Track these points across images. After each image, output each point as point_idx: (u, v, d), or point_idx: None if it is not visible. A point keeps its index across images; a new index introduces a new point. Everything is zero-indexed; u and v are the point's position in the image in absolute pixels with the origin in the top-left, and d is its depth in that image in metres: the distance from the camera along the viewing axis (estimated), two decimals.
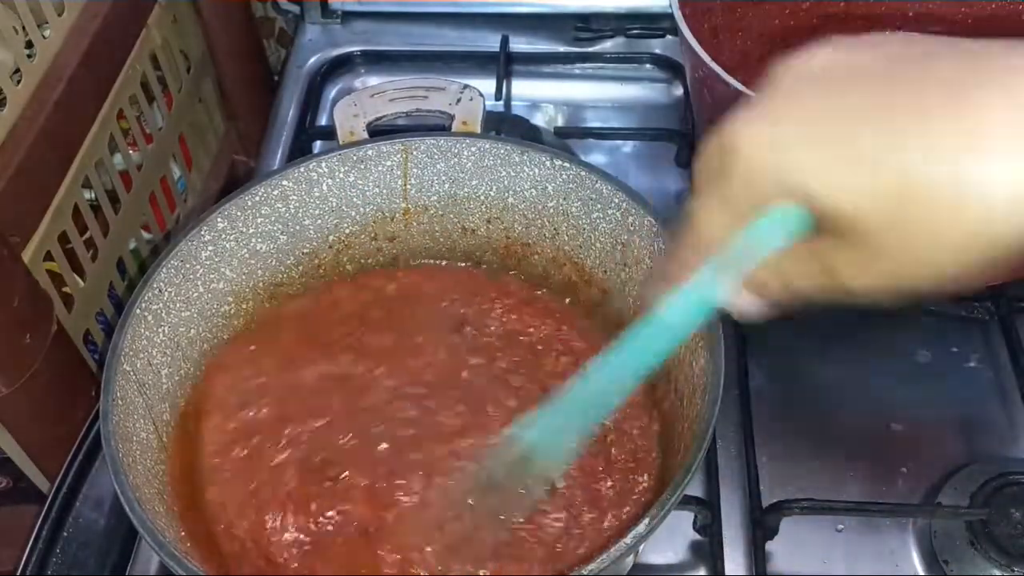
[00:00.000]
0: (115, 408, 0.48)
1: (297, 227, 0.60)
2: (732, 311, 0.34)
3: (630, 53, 0.89)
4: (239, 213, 0.58)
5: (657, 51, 0.88)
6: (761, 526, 0.58)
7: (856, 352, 0.67)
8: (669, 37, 0.88)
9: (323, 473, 0.53)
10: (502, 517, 0.47)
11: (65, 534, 0.57)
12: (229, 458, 0.55)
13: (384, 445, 0.54)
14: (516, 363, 0.58)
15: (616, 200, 0.57)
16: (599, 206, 0.58)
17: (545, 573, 0.49)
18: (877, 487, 0.61)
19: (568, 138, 0.80)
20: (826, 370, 0.67)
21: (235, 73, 0.96)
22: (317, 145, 0.82)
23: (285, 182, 0.59)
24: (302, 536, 0.51)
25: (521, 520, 0.49)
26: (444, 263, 0.64)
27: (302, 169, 0.59)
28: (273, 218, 0.59)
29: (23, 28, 0.66)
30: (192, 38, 0.91)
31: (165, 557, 0.43)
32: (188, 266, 0.56)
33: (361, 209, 0.62)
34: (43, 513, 0.57)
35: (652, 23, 0.89)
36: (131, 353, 0.51)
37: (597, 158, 0.81)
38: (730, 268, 0.32)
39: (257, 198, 0.58)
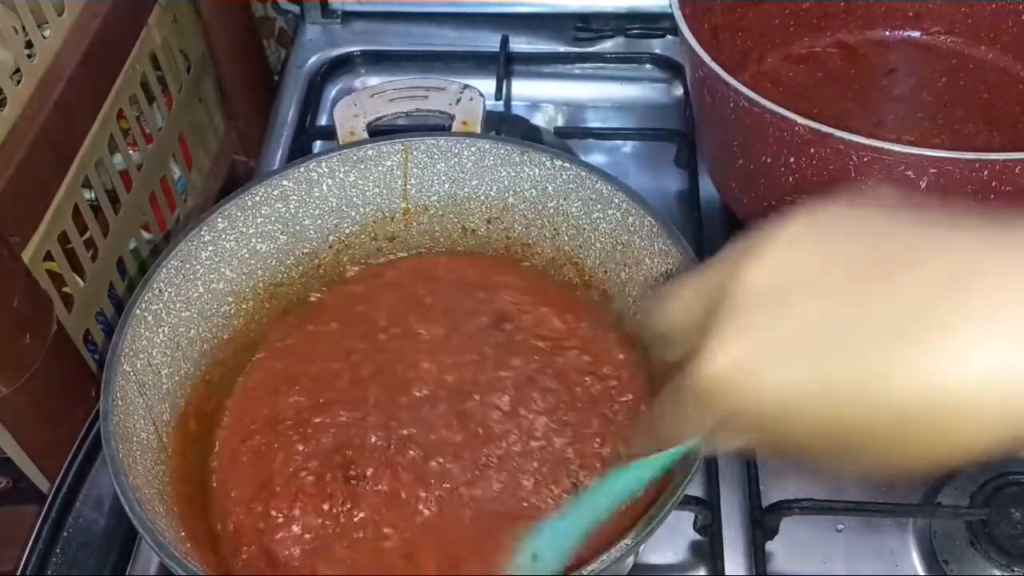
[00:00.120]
0: (115, 408, 0.48)
1: (297, 227, 0.60)
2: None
3: (630, 53, 0.89)
4: (239, 213, 0.58)
5: (657, 51, 0.88)
6: (761, 526, 0.58)
7: None
8: (669, 37, 0.88)
9: (344, 471, 0.53)
10: None
11: (65, 534, 0.57)
12: (248, 444, 0.55)
13: (412, 452, 0.54)
14: (549, 363, 0.57)
15: (616, 200, 0.57)
16: (599, 206, 0.58)
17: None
18: (877, 487, 0.61)
19: (568, 138, 0.80)
20: None
21: (235, 73, 0.96)
22: (317, 145, 0.82)
23: (285, 182, 0.59)
24: (308, 535, 0.51)
25: None
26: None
27: (302, 169, 0.59)
28: (273, 218, 0.59)
29: (23, 28, 0.66)
30: (192, 38, 0.91)
31: (165, 557, 0.43)
32: (188, 266, 0.56)
33: (361, 209, 0.62)
34: (43, 513, 0.57)
35: (652, 23, 0.89)
36: (131, 353, 0.51)
37: (597, 158, 0.81)
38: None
39: (257, 198, 0.58)
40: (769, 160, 0.60)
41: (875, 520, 0.59)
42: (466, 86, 0.68)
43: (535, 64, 0.88)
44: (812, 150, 0.56)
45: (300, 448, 0.54)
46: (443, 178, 0.61)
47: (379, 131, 0.65)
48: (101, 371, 0.50)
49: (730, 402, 0.30)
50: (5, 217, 0.61)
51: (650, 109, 0.86)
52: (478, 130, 0.66)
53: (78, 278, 0.73)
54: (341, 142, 0.66)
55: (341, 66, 0.89)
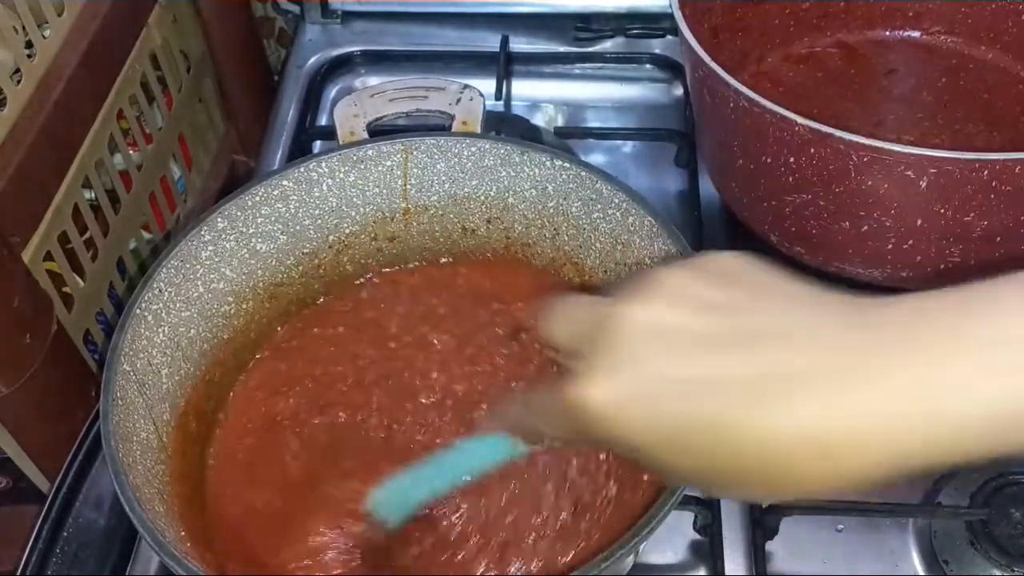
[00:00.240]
0: (115, 408, 0.48)
1: (297, 227, 0.60)
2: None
3: (630, 53, 0.89)
4: (239, 213, 0.58)
5: (657, 51, 0.88)
6: (761, 526, 0.58)
7: None
8: (669, 37, 0.88)
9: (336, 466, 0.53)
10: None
11: (65, 534, 0.57)
12: (244, 443, 0.55)
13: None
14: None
15: (616, 200, 0.57)
16: (599, 206, 0.58)
17: (546, 572, 0.50)
18: (877, 487, 0.61)
19: (568, 138, 0.80)
20: None
21: (235, 73, 0.96)
22: (317, 145, 0.82)
23: (285, 182, 0.59)
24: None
25: None
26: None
27: (302, 169, 0.59)
28: (273, 218, 0.59)
29: (23, 28, 0.66)
30: (192, 38, 0.91)
31: (165, 557, 0.43)
32: (188, 266, 0.56)
33: (361, 209, 0.62)
34: (43, 513, 0.57)
35: (652, 23, 0.89)
36: (131, 353, 0.51)
37: (597, 158, 0.81)
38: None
39: (257, 198, 0.58)
40: (769, 160, 0.60)
41: (875, 520, 0.59)
42: (466, 86, 0.68)
43: (535, 64, 0.88)
44: (812, 150, 0.56)
45: (295, 447, 0.54)
46: (443, 178, 0.61)
47: (379, 131, 0.65)
48: (101, 371, 0.50)
49: (595, 430, 0.33)
50: (5, 217, 0.61)
51: (650, 109, 0.86)
52: (478, 130, 0.66)
53: (78, 278, 0.73)
54: (341, 142, 0.66)
55: (341, 66, 0.89)
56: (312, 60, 0.91)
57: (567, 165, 0.58)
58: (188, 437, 0.55)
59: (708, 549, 0.58)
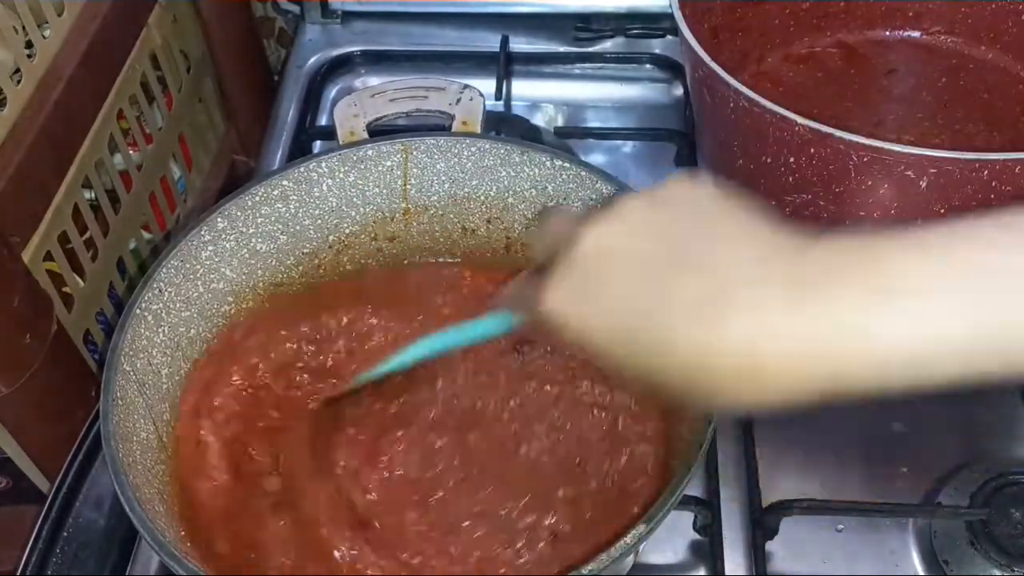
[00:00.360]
0: (115, 408, 0.48)
1: (297, 227, 0.60)
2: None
3: (630, 53, 0.89)
4: (239, 213, 0.58)
5: (657, 51, 0.88)
6: (761, 526, 0.58)
7: None
8: (669, 37, 0.89)
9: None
10: None
11: (65, 534, 0.57)
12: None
13: (400, 471, 0.53)
14: (562, 393, 0.57)
15: None
16: (599, 206, 0.58)
17: (544, 572, 0.49)
18: (877, 487, 0.61)
19: (568, 138, 0.80)
20: None
21: (235, 73, 0.96)
22: (317, 145, 0.82)
23: (285, 182, 0.59)
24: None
25: None
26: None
27: (302, 169, 0.59)
28: (273, 218, 0.59)
29: (23, 28, 0.66)
30: (192, 38, 0.91)
31: (165, 557, 0.43)
32: (188, 266, 0.56)
33: (361, 209, 0.62)
34: (43, 513, 0.57)
35: (652, 23, 0.89)
36: (131, 353, 0.51)
37: (597, 158, 0.81)
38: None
39: (257, 198, 0.58)
40: (769, 160, 0.60)
41: (875, 520, 0.59)
42: (466, 86, 0.68)
43: (535, 64, 0.88)
44: (812, 150, 0.56)
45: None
46: (443, 178, 0.61)
47: (379, 131, 0.65)
48: (101, 371, 0.50)
49: (554, 327, 0.38)
50: (5, 217, 0.61)
51: (650, 109, 0.86)
52: (478, 130, 0.66)
53: (78, 278, 0.73)
54: (341, 142, 0.66)
55: (341, 66, 0.89)
56: (312, 60, 0.91)
57: (567, 165, 0.58)
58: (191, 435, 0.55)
59: (708, 549, 0.58)
